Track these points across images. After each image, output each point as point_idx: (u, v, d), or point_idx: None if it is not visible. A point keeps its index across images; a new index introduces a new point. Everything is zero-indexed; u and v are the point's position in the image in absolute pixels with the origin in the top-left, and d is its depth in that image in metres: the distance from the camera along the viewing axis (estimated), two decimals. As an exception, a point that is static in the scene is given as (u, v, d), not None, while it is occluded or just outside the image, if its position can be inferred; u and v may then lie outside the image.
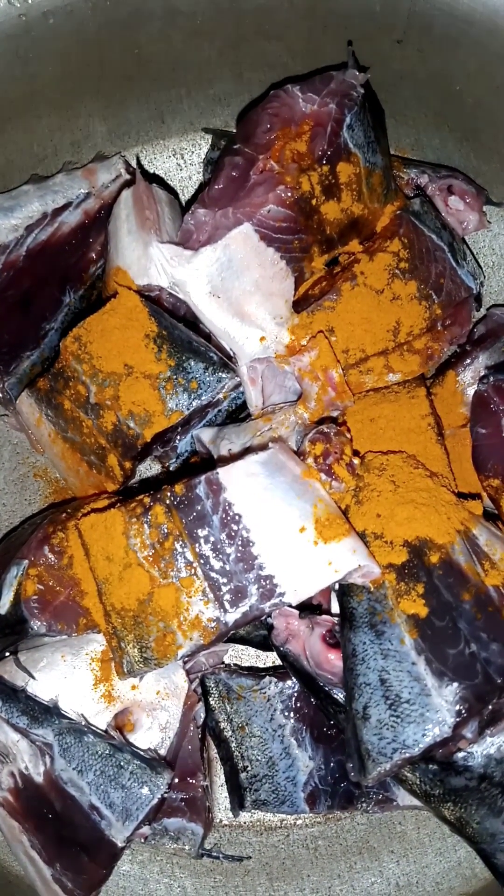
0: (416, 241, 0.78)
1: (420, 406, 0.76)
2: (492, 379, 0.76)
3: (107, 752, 0.72)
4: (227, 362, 0.76)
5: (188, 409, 0.75)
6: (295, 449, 0.73)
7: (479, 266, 0.85)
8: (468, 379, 0.81)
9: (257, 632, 0.79)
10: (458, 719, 0.64)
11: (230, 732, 0.80)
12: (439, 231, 0.80)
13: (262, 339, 0.75)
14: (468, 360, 0.81)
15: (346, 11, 0.79)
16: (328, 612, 0.75)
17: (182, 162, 0.91)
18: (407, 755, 0.64)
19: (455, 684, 0.64)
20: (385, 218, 0.79)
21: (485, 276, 0.87)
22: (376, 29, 0.80)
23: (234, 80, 0.86)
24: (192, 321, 0.79)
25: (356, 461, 0.72)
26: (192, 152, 0.91)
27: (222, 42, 0.83)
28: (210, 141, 0.88)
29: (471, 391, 0.79)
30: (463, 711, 0.64)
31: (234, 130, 0.88)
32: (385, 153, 0.79)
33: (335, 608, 0.74)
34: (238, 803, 0.80)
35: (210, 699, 0.81)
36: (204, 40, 0.83)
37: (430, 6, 0.77)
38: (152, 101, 0.87)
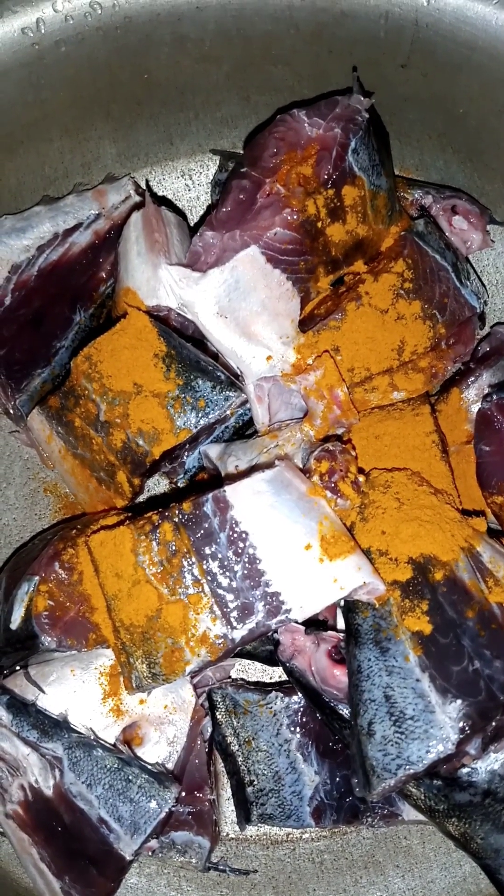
0: (420, 261, 0.79)
1: (424, 423, 0.76)
2: (495, 397, 0.77)
3: (115, 765, 0.72)
4: (234, 381, 0.77)
5: (196, 427, 0.76)
6: (300, 466, 0.74)
7: (483, 285, 0.85)
8: (472, 396, 0.81)
9: (264, 647, 0.79)
10: (461, 736, 0.64)
11: (237, 747, 0.81)
12: (443, 251, 0.80)
13: (269, 358, 0.76)
14: (472, 378, 0.81)
15: (352, 37, 0.80)
16: (334, 629, 0.75)
17: (190, 183, 0.93)
18: (411, 771, 0.65)
19: (459, 701, 0.65)
20: (389, 239, 0.79)
21: (488, 295, 0.88)
22: (381, 54, 0.81)
23: (241, 103, 0.88)
24: (199, 340, 0.80)
25: (361, 478, 0.73)
26: (200, 173, 0.92)
27: (230, 66, 0.85)
28: (218, 162, 0.89)
29: (475, 409, 0.80)
30: (466, 728, 0.64)
31: (242, 152, 0.89)
32: (389, 175, 0.79)
33: (341, 624, 0.74)
34: (244, 817, 0.80)
35: (217, 713, 0.81)
36: (212, 65, 0.84)
37: (433, 32, 0.78)
38: (161, 123, 0.89)
